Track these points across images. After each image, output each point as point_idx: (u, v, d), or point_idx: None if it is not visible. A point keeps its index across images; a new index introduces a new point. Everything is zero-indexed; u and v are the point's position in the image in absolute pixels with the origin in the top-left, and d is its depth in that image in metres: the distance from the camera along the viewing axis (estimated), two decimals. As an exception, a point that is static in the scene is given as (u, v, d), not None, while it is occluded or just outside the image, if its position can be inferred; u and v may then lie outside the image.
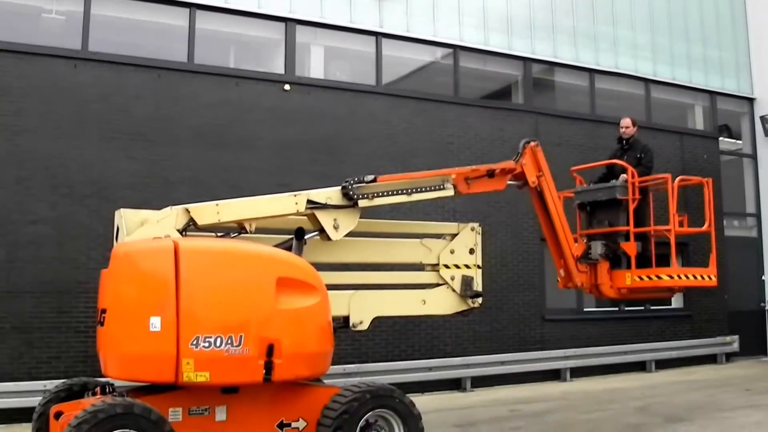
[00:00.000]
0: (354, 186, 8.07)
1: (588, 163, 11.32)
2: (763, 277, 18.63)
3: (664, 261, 10.02)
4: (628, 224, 9.92)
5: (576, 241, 9.92)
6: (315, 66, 13.92)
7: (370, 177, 8.21)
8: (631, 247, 9.84)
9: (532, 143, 9.18)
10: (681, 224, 10.10)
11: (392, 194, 8.35)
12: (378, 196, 8.24)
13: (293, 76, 13.24)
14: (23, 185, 11.02)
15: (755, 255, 18.77)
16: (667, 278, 9.86)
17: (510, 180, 9.18)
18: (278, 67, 13.36)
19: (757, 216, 18.98)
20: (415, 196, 8.51)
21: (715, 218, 16.88)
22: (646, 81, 17.21)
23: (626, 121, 10.97)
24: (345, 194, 8.07)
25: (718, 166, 18.10)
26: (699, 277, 10.35)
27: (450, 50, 14.90)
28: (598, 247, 9.86)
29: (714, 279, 10.43)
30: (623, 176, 10.11)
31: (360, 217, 8.28)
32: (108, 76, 11.73)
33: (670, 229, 9.94)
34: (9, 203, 10.94)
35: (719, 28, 18.65)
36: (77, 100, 11.49)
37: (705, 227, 10.47)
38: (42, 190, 11.13)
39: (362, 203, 8.11)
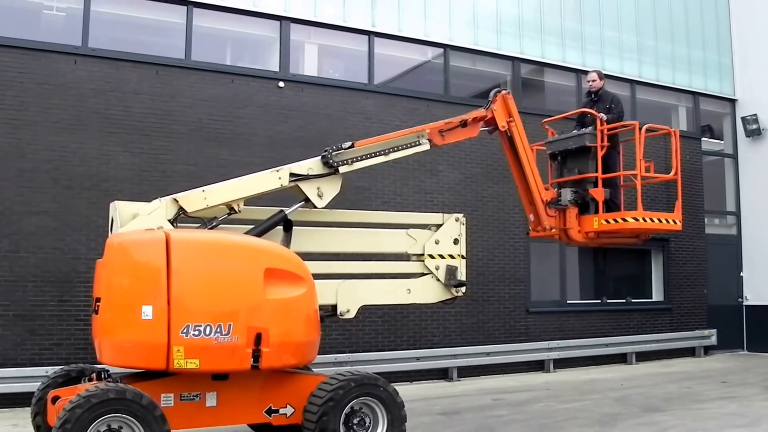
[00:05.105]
0: (333, 154, 8.28)
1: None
2: (741, 274, 18.96)
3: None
4: (597, 171, 10.07)
5: (547, 189, 10.06)
6: (309, 64, 14.14)
7: (348, 143, 8.43)
8: (598, 193, 9.99)
9: (504, 92, 9.44)
10: (648, 170, 10.21)
11: (371, 157, 8.55)
12: (357, 161, 8.43)
13: (287, 74, 13.45)
14: (25, 177, 11.27)
15: (734, 252, 19.07)
16: (633, 221, 9.93)
17: (482, 127, 9.42)
18: (273, 65, 13.57)
19: (737, 214, 19.26)
20: (393, 155, 8.69)
21: (696, 214, 17.35)
22: (632, 82, 17.43)
23: (592, 75, 11.20)
24: (325, 163, 8.27)
25: (701, 165, 18.40)
26: (664, 221, 10.39)
27: (440, 50, 15.11)
28: (567, 194, 10.04)
29: (679, 224, 10.43)
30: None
31: (348, 208, 8.41)
32: (107, 72, 11.95)
33: (636, 174, 10.11)
34: (12, 195, 11.19)
35: (703, 29, 18.83)
36: (77, 95, 11.72)
37: (672, 174, 10.61)
38: (43, 182, 11.37)
39: (342, 169, 8.32)
